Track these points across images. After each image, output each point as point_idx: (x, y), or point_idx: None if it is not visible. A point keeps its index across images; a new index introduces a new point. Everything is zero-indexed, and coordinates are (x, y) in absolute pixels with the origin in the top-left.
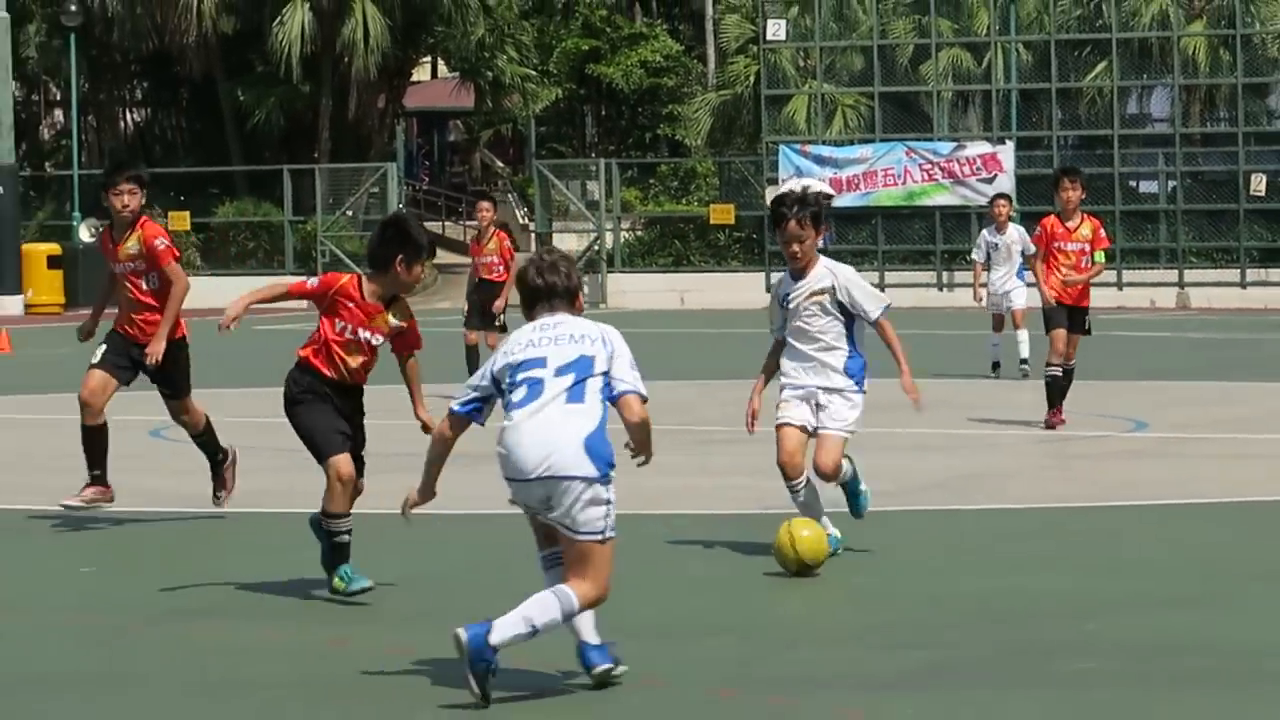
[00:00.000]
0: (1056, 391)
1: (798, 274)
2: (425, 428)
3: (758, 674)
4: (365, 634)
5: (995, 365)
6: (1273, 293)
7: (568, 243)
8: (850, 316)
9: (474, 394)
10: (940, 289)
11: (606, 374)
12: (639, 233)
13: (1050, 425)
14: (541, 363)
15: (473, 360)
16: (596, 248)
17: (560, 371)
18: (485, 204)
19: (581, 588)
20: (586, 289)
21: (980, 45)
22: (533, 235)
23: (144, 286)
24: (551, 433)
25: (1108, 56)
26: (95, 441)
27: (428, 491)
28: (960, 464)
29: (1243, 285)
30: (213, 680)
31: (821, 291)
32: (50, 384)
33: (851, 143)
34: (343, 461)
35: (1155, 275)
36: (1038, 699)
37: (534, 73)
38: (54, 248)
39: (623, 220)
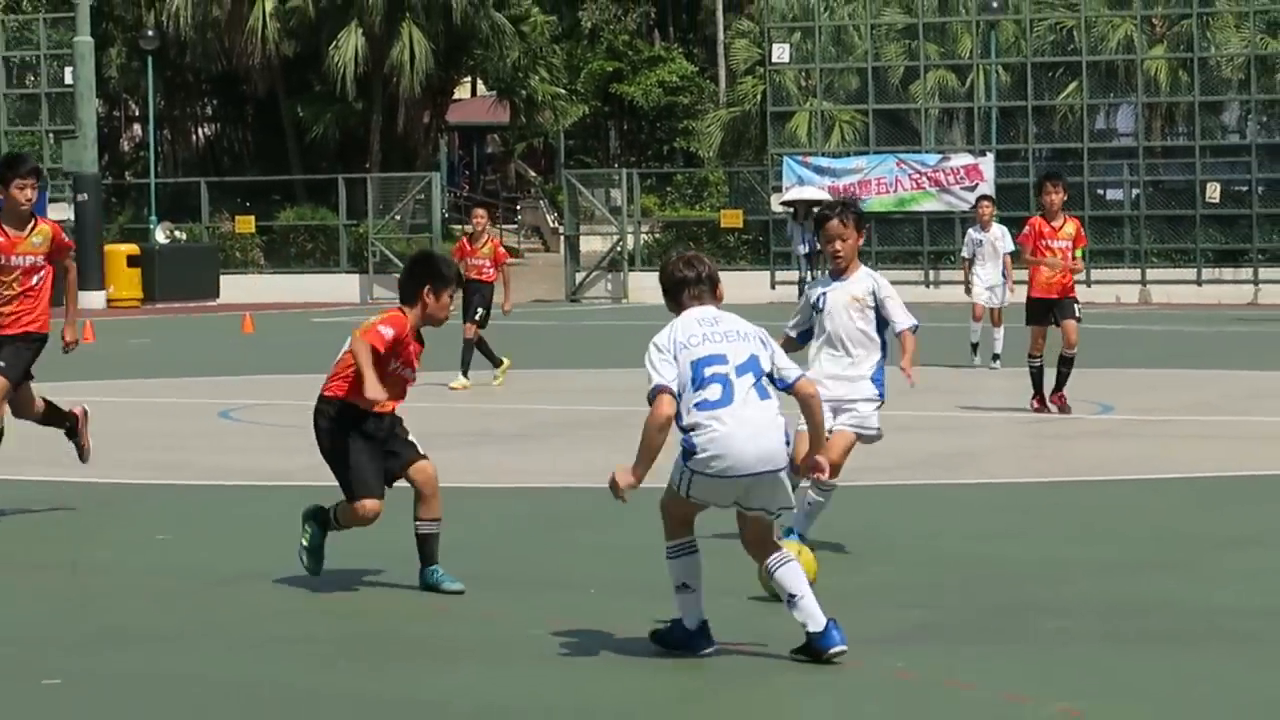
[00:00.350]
0: (1039, 381)
1: (837, 274)
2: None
3: (760, 630)
4: (410, 597)
5: (974, 346)
6: (1226, 290)
7: (593, 244)
8: (883, 322)
9: (674, 376)
10: (927, 286)
11: (769, 371)
12: (657, 235)
13: (1042, 408)
14: (723, 359)
15: (486, 351)
16: (619, 249)
17: (740, 370)
18: (480, 210)
19: (777, 547)
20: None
21: (964, 67)
22: (562, 237)
23: (33, 282)
24: (761, 431)
25: (1078, 77)
26: (45, 420)
27: (645, 473)
28: (947, 443)
29: (1199, 283)
30: (273, 636)
31: (861, 294)
32: (130, 370)
33: (848, 154)
34: (371, 505)
35: (1120, 274)
36: (1018, 654)
37: (563, 91)
38: (133, 248)
39: (642, 224)
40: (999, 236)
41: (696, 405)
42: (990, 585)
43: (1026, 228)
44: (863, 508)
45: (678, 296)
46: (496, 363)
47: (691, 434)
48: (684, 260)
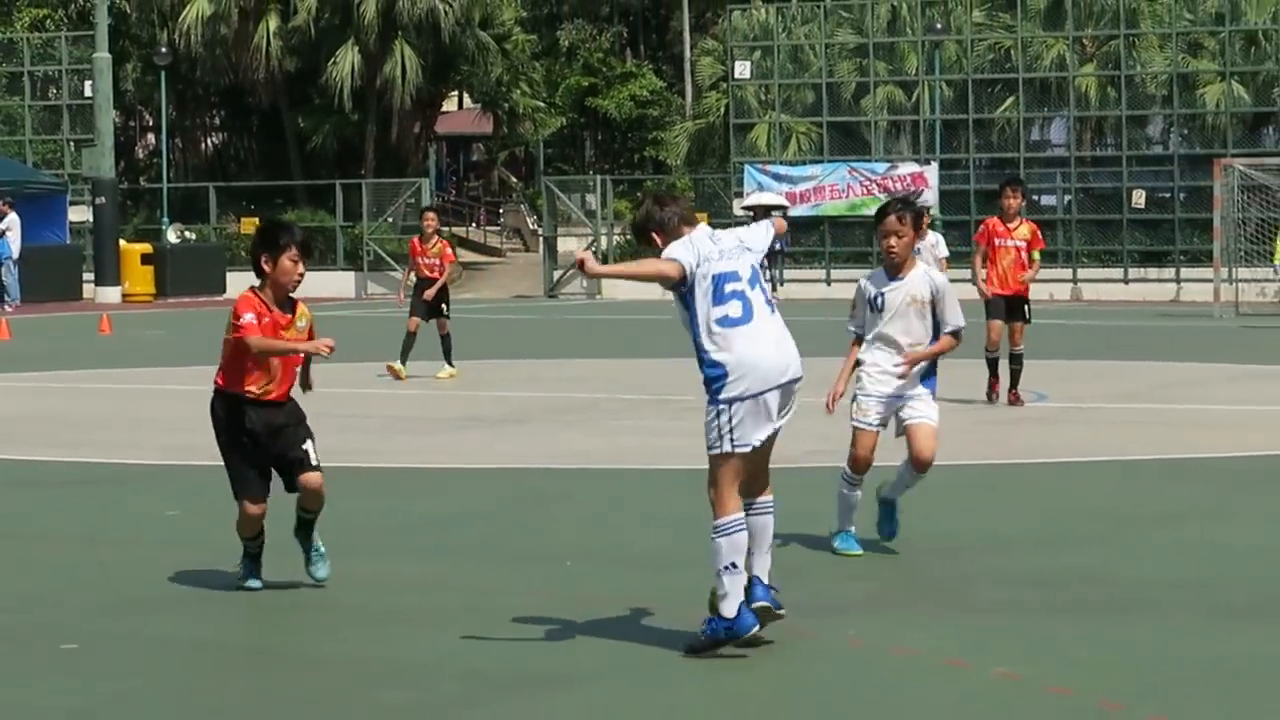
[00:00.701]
0: (995, 369)
1: (893, 272)
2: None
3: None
4: (402, 568)
5: None
6: (1150, 288)
7: (569, 245)
8: (937, 327)
9: (692, 261)
10: None
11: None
12: (628, 237)
13: (993, 397)
14: (737, 276)
15: (408, 344)
16: (593, 249)
17: (752, 284)
18: (431, 214)
19: (766, 487)
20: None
21: (910, 83)
22: (541, 238)
23: None
24: (781, 342)
25: (1015, 93)
26: None
27: (602, 277)
28: (892, 428)
29: (1125, 282)
30: (278, 603)
31: (921, 299)
32: (143, 359)
33: (804, 163)
34: (250, 504)
35: (1054, 274)
36: (960, 623)
37: (543, 104)
38: (146, 247)
39: (615, 226)
40: (934, 244)
41: (718, 321)
42: (936, 559)
43: (981, 227)
44: (815, 488)
45: (671, 226)
46: (404, 359)
47: (716, 356)
48: (668, 196)
